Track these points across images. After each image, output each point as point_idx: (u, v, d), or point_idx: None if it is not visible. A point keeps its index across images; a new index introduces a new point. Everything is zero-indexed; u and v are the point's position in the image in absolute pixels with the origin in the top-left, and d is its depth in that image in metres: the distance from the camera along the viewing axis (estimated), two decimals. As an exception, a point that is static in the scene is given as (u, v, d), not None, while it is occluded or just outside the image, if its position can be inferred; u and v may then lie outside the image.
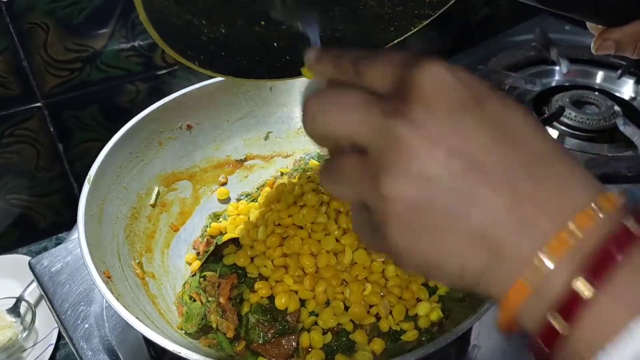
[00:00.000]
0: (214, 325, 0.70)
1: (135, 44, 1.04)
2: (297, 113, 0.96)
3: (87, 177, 0.72)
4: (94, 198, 0.72)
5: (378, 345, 0.69)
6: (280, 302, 0.69)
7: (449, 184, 0.31)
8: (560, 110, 1.19)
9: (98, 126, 1.08)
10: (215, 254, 0.76)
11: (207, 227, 0.86)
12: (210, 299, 0.72)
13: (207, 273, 0.75)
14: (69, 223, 1.10)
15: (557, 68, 1.35)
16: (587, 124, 1.19)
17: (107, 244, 0.72)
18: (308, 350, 0.68)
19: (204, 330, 0.71)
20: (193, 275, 0.77)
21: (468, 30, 1.59)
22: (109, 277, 0.66)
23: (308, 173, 0.80)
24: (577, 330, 0.28)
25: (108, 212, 0.74)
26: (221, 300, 0.71)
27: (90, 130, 1.08)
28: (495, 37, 1.54)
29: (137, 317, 0.60)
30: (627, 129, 1.22)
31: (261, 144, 0.96)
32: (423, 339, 0.69)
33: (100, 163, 0.75)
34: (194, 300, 0.74)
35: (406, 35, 0.64)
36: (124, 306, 0.60)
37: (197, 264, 0.78)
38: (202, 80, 0.90)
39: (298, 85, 0.96)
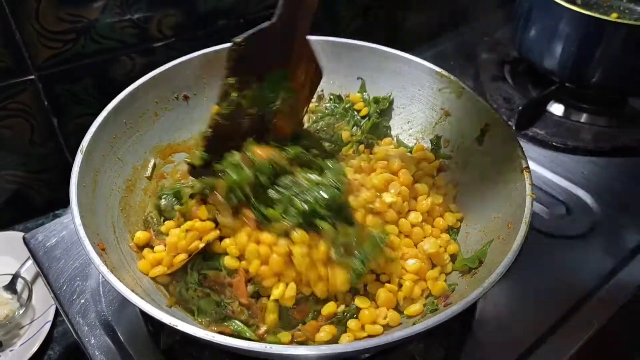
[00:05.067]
0: (243, 328, 0.68)
1: (131, 15, 1.01)
2: (297, 84, 0.93)
3: (80, 147, 0.70)
4: (87, 169, 0.69)
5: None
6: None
7: None
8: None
9: (93, 100, 1.05)
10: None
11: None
12: (226, 301, 0.69)
13: (210, 272, 0.71)
14: (65, 200, 1.08)
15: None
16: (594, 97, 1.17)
17: (101, 216, 0.69)
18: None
19: (217, 319, 0.69)
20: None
21: (474, 3, 1.55)
22: (103, 250, 0.63)
23: None
24: None
25: (102, 184, 0.72)
26: (242, 300, 0.69)
27: (85, 104, 1.05)
28: (501, 9, 1.50)
29: (132, 291, 0.57)
30: (637, 102, 1.20)
31: (261, 116, 0.93)
32: (428, 312, 0.67)
33: (93, 133, 0.72)
34: (201, 297, 0.70)
35: None
36: (119, 279, 0.58)
37: (159, 270, 0.71)
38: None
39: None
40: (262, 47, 0.69)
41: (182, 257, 0.71)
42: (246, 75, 0.70)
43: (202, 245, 0.71)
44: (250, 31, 0.67)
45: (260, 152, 0.70)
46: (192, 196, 0.75)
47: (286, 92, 0.74)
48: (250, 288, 0.69)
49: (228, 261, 0.69)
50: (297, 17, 0.70)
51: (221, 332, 0.66)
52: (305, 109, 0.81)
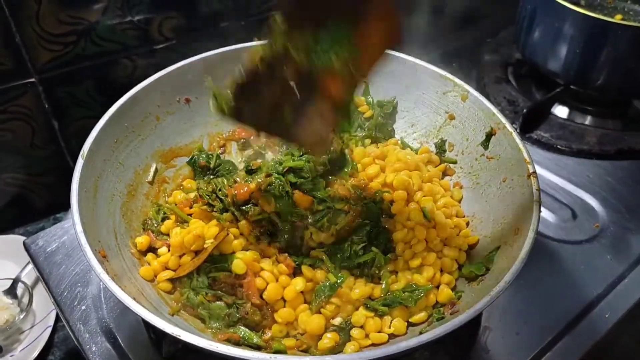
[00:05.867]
0: (250, 334, 0.67)
1: (132, 17, 1.00)
2: (300, 87, 0.92)
3: (81, 152, 0.69)
4: (88, 174, 0.68)
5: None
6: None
7: None
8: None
9: (94, 103, 1.04)
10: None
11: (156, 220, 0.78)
12: (238, 301, 0.68)
13: (220, 274, 0.70)
14: (66, 203, 1.06)
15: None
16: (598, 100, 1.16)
17: (102, 222, 0.68)
18: None
19: (229, 323, 0.68)
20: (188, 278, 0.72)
21: (476, 4, 1.54)
22: (104, 257, 0.63)
23: None
24: None
25: (103, 189, 0.71)
26: (254, 301, 0.68)
27: (86, 107, 1.04)
28: (503, 11, 1.49)
29: (134, 299, 0.57)
30: (642, 104, 1.19)
31: (263, 119, 0.92)
32: (434, 321, 0.66)
33: (94, 137, 0.71)
34: (211, 302, 0.69)
35: None
36: (120, 287, 0.57)
37: (166, 274, 0.71)
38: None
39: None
40: None
41: (189, 257, 0.70)
42: (301, 18, 0.54)
43: (210, 247, 0.70)
44: None
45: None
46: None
47: (348, 51, 0.59)
48: (259, 282, 0.69)
49: (236, 266, 0.68)
50: None
51: (228, 339, 0.65)
52: (367, 74, 0.65)
